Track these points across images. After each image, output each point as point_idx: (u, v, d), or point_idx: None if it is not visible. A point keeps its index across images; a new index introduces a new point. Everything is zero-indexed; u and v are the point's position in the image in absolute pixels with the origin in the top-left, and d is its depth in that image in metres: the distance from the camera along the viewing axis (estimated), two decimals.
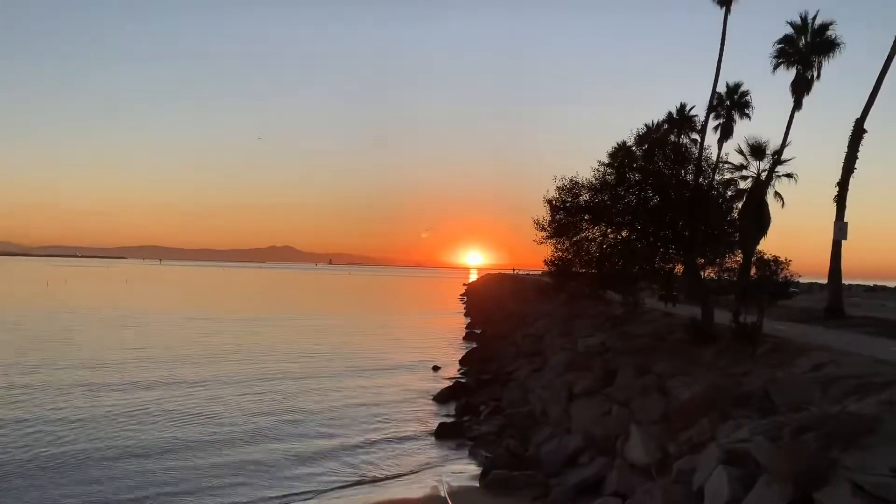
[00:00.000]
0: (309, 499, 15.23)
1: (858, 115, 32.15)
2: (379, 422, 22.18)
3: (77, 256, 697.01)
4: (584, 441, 15.95)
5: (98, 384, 26.28)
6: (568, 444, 16.19)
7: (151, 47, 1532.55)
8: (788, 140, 33.75)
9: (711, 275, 25.19)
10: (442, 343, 45.43)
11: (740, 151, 31.70)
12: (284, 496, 15.25)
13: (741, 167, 31.60)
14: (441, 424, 20.95)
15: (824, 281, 35.60)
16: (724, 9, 40.61)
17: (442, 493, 15.34)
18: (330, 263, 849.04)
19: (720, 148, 44.20)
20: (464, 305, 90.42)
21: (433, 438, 20.09)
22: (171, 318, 56.40)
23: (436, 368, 33.30)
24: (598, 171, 24.53)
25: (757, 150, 31.31)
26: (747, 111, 45.04)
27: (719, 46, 41.04)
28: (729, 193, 26.84)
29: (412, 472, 17.24)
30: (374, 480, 16.57)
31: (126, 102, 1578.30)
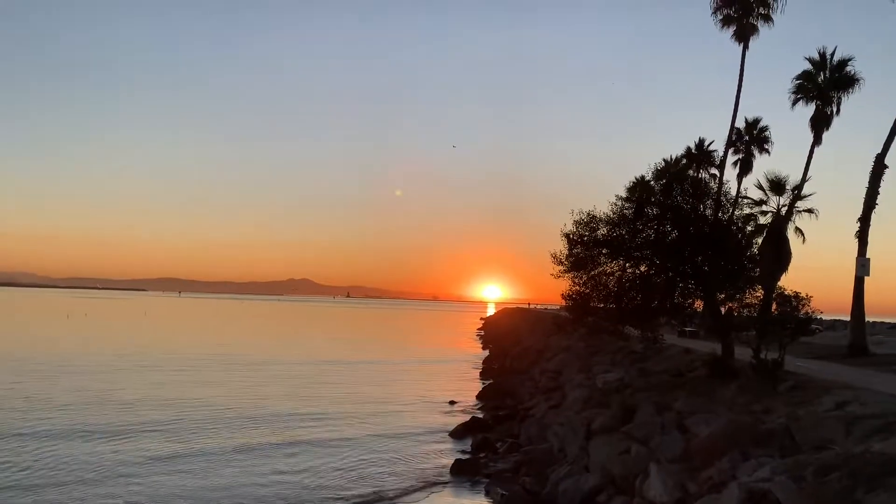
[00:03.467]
0: None
1: (879, 151, 31.95)
2: (394, 456, 21.98)
3: (98, 288, 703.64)
4: (602, 479, 15.68)
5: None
6: (586, 482, 15.92)
7: (173, 78, 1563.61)
8: (808, 175, 33.60)
9: (731, 310, 24.91)
10: (459, 377, 45.15)
11: (760, 186, 31.60)
12: None
13: (761, 202, 31.46)
14: (457, 461, 20.70)
15: (847, 318, 35.09)
16: (741, 45, 40.80)
17: None
18: (347, 296, 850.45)
19: (739, 183, 44.12)
20: (481, 339, 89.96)
21: (449, 475, 19.83)
22: (182, 358, 56.57)
23: (452, 403, 33.03)
24: (616, 205, 24.54)
25: (777, 186, 31.17)
26: (766, 146, 45.02)
27: (738, 82, 41.16)
28: (749, 229, 26.70)
29: None
30: None
31: (147, 134, 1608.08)
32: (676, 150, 54.84)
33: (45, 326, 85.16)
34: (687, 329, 41.99)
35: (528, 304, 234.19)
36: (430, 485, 18.97)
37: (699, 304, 26.43)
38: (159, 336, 74.79)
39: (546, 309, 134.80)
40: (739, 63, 41.18)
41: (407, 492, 18.37)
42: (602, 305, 26.66)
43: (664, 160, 50.45)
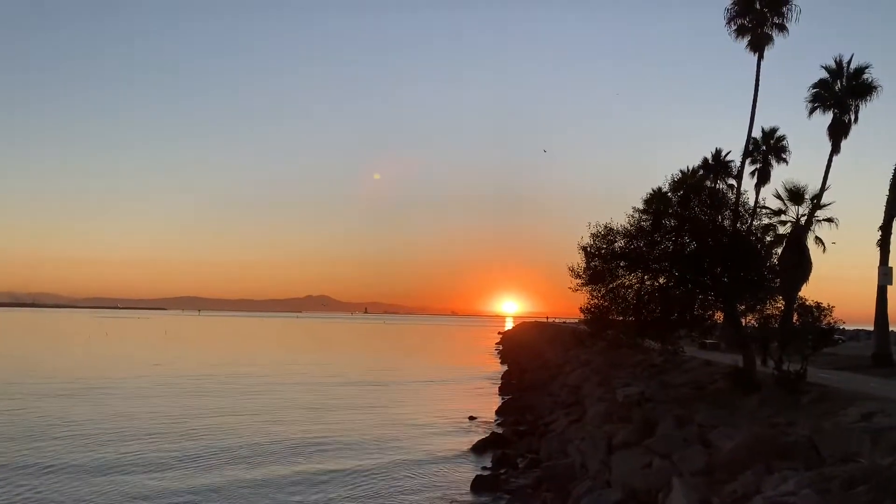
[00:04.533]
0: None
1: None
2: (413, 473, 21.90)
3: (118, 307, 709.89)
4: (624, 494, 15.51)
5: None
6: (608, 497, 15.76)
7: (194, 96, 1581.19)
8: (828, 184, 33.38)
9: (752, 322, 24.70)
10: (477, 393, 44.98)
11: (778, 196, 31.45)
12: None
13: (780, 212, 31.29)
14: (477, 477, 20.57)
15: (870, 328, 34.66)
16: (756, 54, 40.71)
17: None
18: (366, 312, 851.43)
19: (757, 193, 43.91)
20: (499, 354, 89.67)
21: (469, 491, 19.71)
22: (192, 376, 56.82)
23: (471, 419, 32.89)
24: (633, 217, 24.47)
25: (795, 195, 31.00)
26: (784, 156, 44.75)
27: (753, 92, 41.03)
28: (768, 239, 26.56)
29: None
30: None
31: (164, 156, 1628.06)
32: (693, 161, 54.62)
33: (67, 347, 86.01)
34: (707, 341, 41.64)
35: (547, 318, 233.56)
36: (449, 501, 18.86)
37: (719, 316, 26.24)
38: (179, 357, 75.30)
39: (564, 323, 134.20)
40: (755, 73, 41.07)
41: None
42: (621, 318, 26.53)
43: (681, 171, 50.36)
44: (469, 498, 19.18)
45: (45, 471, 20.45)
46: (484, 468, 22.28)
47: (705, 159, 52.45)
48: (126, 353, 76.52)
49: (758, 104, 41.05)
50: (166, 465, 21.83)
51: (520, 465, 22.08)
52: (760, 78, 40.70)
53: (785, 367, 20.25)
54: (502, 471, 21.73)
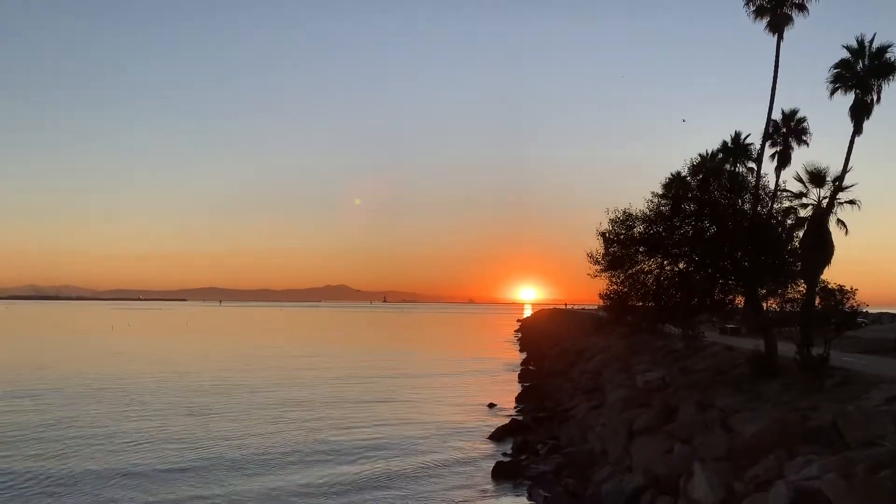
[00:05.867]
0: None
1: None
2: (435, 460, 22.01)
3: (140, 299, 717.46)
4: (645, 480, 15.51)
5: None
6: (629, 483, 15.77)
7: (211, 92, 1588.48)
8: (850, 166, 32.84)
9: (773, 306, 24.46)
10: (497, 380, 45.04)
11: (799, 179, 30.96)
12: None
13: (801, 195, 30.80)
14: (498, 463, 20.63)
15: (893, 310, 34.24)
16: (776, 35, 40.08)
17: None
18: (384, 301, 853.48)
19: (778, 176, 43.26)
20: (518, 341, 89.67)
21: (490, 477, 19.78)
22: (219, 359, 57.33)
23: (491, 406, 32.95)
24: (651, 202, 24.25)
25: (816, 177, 30.52)
26: (805, 138, 44.07)
27: (773, 73, 40.44)
28: (789, 222, 26.22)
29: None
30: None
31: (184, 150, 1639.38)
32: (712, 145, 54.09)
33: (92, 338, 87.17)
34: (728, 326, 41.37)
35: (565, 304, 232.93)
36: (471, 487, 18.94)
37: (740, 301, 26.01)
38: (202, 349, 76.09)
39: (583, 309, 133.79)
40: (774, 54, 40.47)
41: (450, 493, 18.37)
42: (641, 304, 26.39)
43: (700, 155, 49.66)
44: (490, 484, 19.25)
45: (125, 473, 20.50)
46: (504, 454, 22.34)
47: (724, 143, 51.73)
48: (147, 347, 77.41)
49: (778, 86, 40.45)
50: (197, 468, 21.98)
51: (540, 452, 22.10)
52: (780, 59, 40.15)
53: (807, 350, 20.06)
54: (523, 457, 21.78)
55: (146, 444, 22.93)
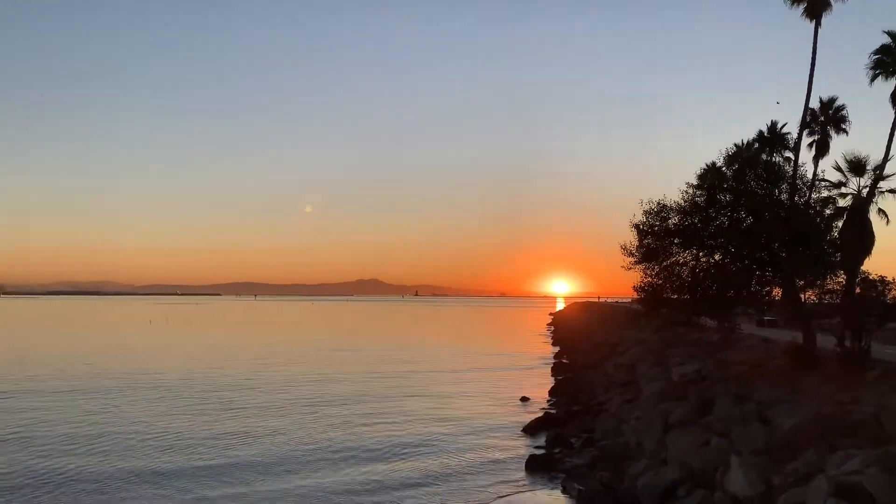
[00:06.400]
0: None
1: None
2: (468, 453, 22.03)
3: (177, 294, 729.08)
4: (681, 473, 15.37)
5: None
6: (665, 476, 15.63)
7: (244, 86, 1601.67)
8: (891, 154, 32.14)
9: (812, 297, 24.05)
10: (530, 373, 44.94)
11: (838, 168, 30.42)
12: None
13: (840, 184, 30.27)
14: (532, 456, 20.60)
15: None
16: (813, 21, 39.25)
17: None
18: (416, 295, 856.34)
19: (816, 165, 42.49)
20: (551, 334, 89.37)
21: (524, 471, 19.75)
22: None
23: (524, 399, 32.88)
24: (686, 193, 23.96)
25: (856, 166, 29.94)
26: (844, 126, 43.19)
27: (810, 60, 39.61)
28: (827, 212, 25.75)
29: (503, 502, 17.02)
30: None
31: (218, 149, 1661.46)
32: (748, 135, 53.11)
33: (130, 333, 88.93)
34: (765, 318, 40.78)
35: (598, 297, 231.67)
36: (505, 481, 18.93)
37: (777, 293, 25.62)
38: (236, 343, 77.13)
39: (617, 302, 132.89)
40: (812, 41, 39.64)
41: (482, 488, 18.37)
42: (676, 296, 26.14)
43: (735, 145, 48.94)
44: (524, 477, 19.22)
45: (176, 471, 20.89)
46: (538, 448, 22.28)
47: (760, 132, 50.90)
48: (186, 340, 78.69)
49: (815, 74, 39.60)
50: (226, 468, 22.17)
51: (574, 445, 22.00)
52: (818, 46, 39.29)
53: (847, 342, 19.69)
54: (556, 450, 21.70)
55: (176, 442, 23.09)
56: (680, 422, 18.65)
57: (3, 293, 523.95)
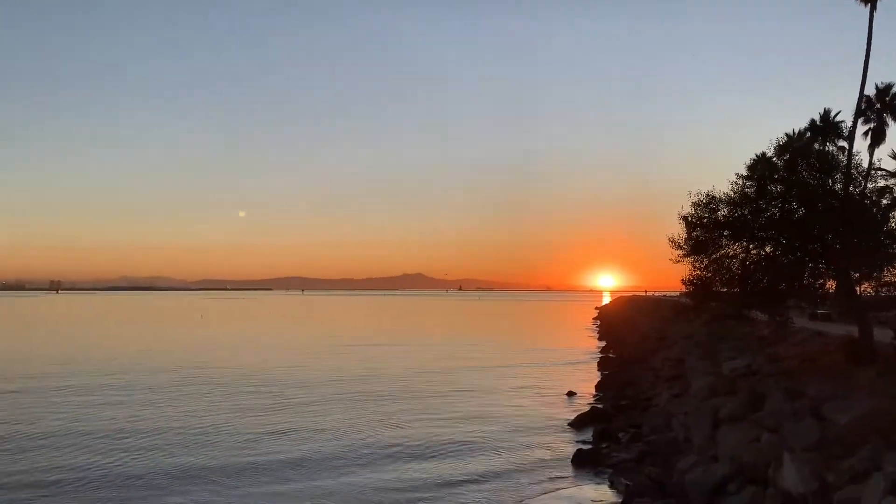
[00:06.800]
0: None
1: None
2: (513, 448, 22.03)
3: (227, 289, 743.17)
4: (731, 469, 15.12)
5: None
6: (715, 472, 15.41)
7: (290, 80, 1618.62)
8: None
9: (868, 290, 23.37)
10: (576, 368, 44.66)
11: (895, 156, 29.45)
12: None
13: None
14: (578, 451, 20.49)
15: None
16: (868, 6, 38.09)
17: None
18: (460, 289, 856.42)
19: (871, 154, 41.39)
20: (597, 329, 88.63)
21: (570, 465, 19.68)
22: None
23: (571, 394, 32.71)
24: (736, 184, 23.50)
25: None
26: None
27: (866, 47, 38.47)
28: (884, 202, 24.94)
29: (550, 497, 16.99)
30: None
31: (268, 147, 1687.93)
32: (799, 124, 51.89)
33: (182, 327, 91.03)
34: (819, 312, 39.76)
35: (645, 291, 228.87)
36: (552, 474, 18.90)
37: (831, 285, 24.96)
38: (283, 337, 78.28)
39: (664, 296, 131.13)
40: (867, 27, 38.46)
41: (529, 483, 18.36)
42: (725, 290, 25.63)
43: (786, 135, 47.86)
44: (571, 472, 19.15)
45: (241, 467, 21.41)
46: (585, 443, 22.16)
47: (812, 121, 49.68)
48: (240, 333, 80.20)
49: (871, 60, 38.46)
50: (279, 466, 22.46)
51: (621, 440, 21.84)
52: (873, 32, 38.09)
53: None
54: (603, 445, 21.56)
55: (223, 437, 23.35)
56: (730, 417, 18.34)
57: (61, 289, 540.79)
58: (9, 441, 22.42)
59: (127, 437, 22.93)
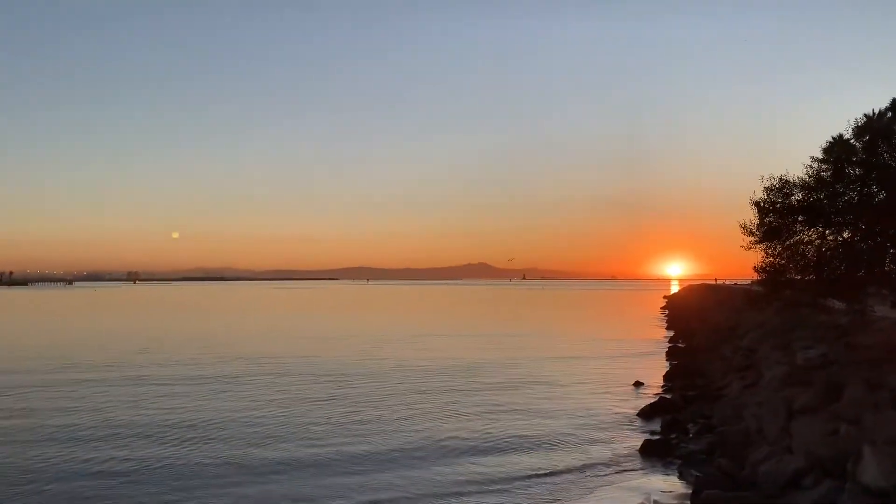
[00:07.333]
0: None
1: None
2: (580, 437, 21.86)
3: (294, 279, 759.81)
4: (806, 462, 14.63)
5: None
6: (789, 464, 14.94)
7: (375, 75, 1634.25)
8: None
9: None
10: (643, 358, 43.96)
11: None
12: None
13: None
14: (646, 441, 20.19)
15: None
16: None
17: None
18: (523, 279, 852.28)
19: None
20: (665, 318, 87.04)
21: (638, 455, 19.41)
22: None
23: (638, 384, 32.22)
24: (811, 167, 22.73)
25: None
26: None
27: None
28: None
29: (617, 487, 16.80)
30: (577, 496, 16.31)
31: (334, 139, 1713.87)
32: (880, 104, 49.49)
33: (251, 316, 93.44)
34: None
35: (715, 279, 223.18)
36: (619, 465, 18.67)
37: None
38: (347, 327, 79.34)
39: (735, 284, 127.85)
40: None
41: (598, 470, 18.20)
42: (800, 277, 24.84)
43: (865, 115, 45.80)
44: (639, 462, 18.89)
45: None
46: (653, 433, 21.80)
47: (894, 100, 47.47)
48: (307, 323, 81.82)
49: None
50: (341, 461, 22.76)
51: (690, 431, 21.42)
52: None
53: None
54: (672, 436, 21.18)
55: (289, 430, 23.30)
56: (805, 408, 17.75)
57: (138, 280, 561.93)
58: (75, 430, 23.03)
59: (193, 429, 23.09)
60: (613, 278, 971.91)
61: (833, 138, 30.53)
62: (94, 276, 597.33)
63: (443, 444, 21.19)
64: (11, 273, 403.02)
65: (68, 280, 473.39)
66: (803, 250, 23.50)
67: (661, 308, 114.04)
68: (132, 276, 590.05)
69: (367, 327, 72.05)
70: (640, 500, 15.67)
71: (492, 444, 21.28)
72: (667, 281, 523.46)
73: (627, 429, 23.12)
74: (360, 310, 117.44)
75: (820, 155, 23.84)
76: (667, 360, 41.82)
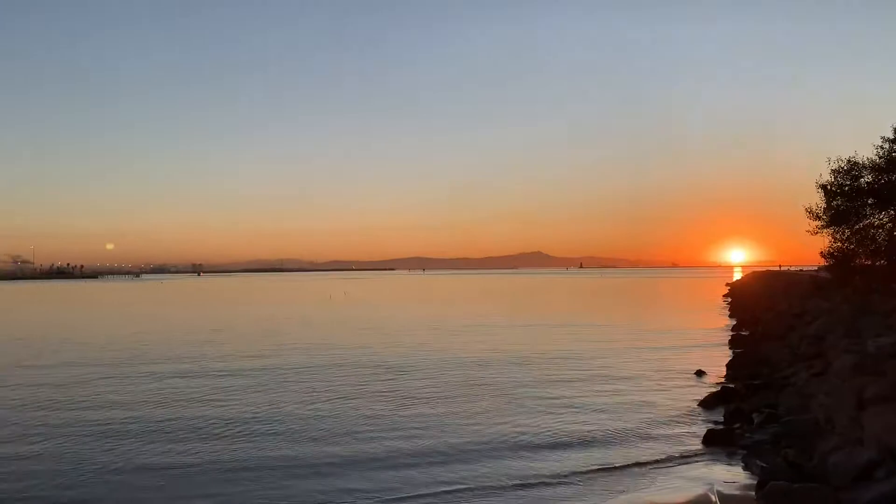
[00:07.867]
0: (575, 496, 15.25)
1: None
2: (643, 426, 21.58)
3: (353, 269, 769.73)
4: (879, 454, 14.13)
5: None
6: (860, 456, 14.45)
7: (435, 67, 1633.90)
8: None
9: None
10: (705, 347, 43.04)
11: None
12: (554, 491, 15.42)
13: None
14: (710, 431, 19.81)
15: None
16: None
17: (713, 500, 14.53)
18: (581, 267, 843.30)
19: None
20: (728, 306, 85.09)
21: (701, 445, 19.07)
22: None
23: (700, 373, 31.62)
24: (882, 148, 21.86)
25: None
26: None
27: None
28: None
29: (679, 477, 16.55)
30: (639, 486, 16.14)
31: (392, 134, 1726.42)
32: None
33: (313, 307, 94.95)
34: None
35: (779, 266, 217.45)
36: (682, 454, 18.39)
37: None
38: (404, 318, 79.95)
39: (801, 270, 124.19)
40: None
41: (660, 460, 17.95)
42: (870, 262, 23.99)
43: None
44: (702, 452, 18.56)
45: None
46: (716, 423, 21.39)
47: None
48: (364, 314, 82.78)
49: None
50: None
51: (755, 420, 20.92)
52: None
53: None
54: (736, 425, 20.72)
55: (343, 425, 22.94)
56: (877, 398, 17.11)
57: (202, 272, 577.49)
58: (131, 423, 23.84)
59: (249, 423, 23.03)
60: (674, 265, 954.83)
61: None
62: (160, 269, 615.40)
63: (504, 438, 20.81)
64: (82, 267, 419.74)
65: (136, 273, 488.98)
66: (873, 234, 22.68)
67: (724, 296, 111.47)
68: (196, 269, 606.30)
69: (425, 317, 72.49)
70: (703, 490, 15.40)
71: (552, 437, 20.84)
72: (729, 268, 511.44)
73: (689, 418, 22.70)
74: (418, 300, 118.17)
75: (891, 135, 22.90)
76: (730, 347, 40.87)
